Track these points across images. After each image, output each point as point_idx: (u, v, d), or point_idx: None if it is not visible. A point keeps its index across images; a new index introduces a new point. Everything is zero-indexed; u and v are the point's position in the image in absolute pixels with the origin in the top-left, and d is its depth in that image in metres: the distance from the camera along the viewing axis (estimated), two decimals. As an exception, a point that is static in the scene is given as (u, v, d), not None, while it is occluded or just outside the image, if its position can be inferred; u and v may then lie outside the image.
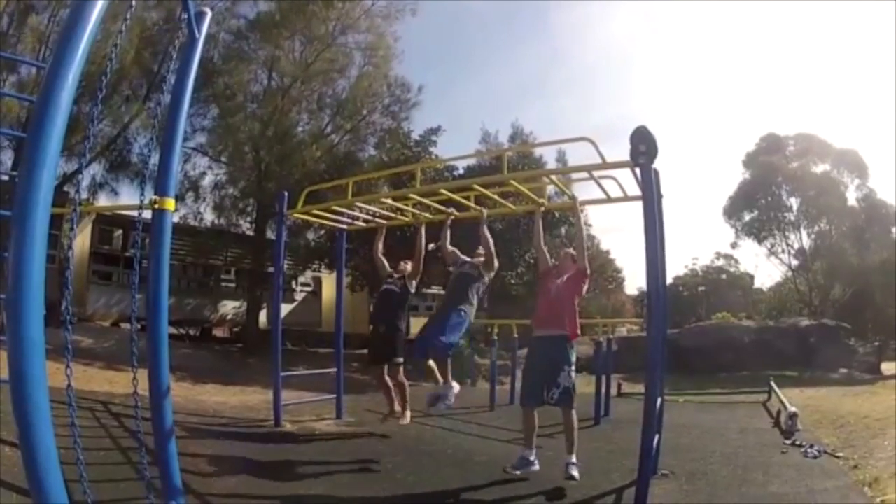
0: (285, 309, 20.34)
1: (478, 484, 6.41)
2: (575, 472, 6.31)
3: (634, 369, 15.54)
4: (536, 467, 6.60)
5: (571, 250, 7.31)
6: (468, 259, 7.81)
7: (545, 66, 78.49)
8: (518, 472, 6.52)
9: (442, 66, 65.58)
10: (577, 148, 38.51)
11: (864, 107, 67.92)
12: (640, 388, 10.67)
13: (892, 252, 29.66)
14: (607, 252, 40.89)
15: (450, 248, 8.08)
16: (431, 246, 8.53)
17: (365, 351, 24.26)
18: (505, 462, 6.93)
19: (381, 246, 9.00)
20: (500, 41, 72.39)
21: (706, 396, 15.12)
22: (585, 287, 7.09)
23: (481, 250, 7.73)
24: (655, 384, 5.96)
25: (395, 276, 8.67)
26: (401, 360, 8.46)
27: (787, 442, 8.65)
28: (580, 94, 79.95)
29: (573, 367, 6.68)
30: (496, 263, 7.75)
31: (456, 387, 7.49)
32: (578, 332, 6.79)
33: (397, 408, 8.75)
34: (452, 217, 8.34)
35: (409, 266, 8.67)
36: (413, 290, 8.68)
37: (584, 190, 8.20)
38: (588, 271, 6.96)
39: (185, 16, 4.25)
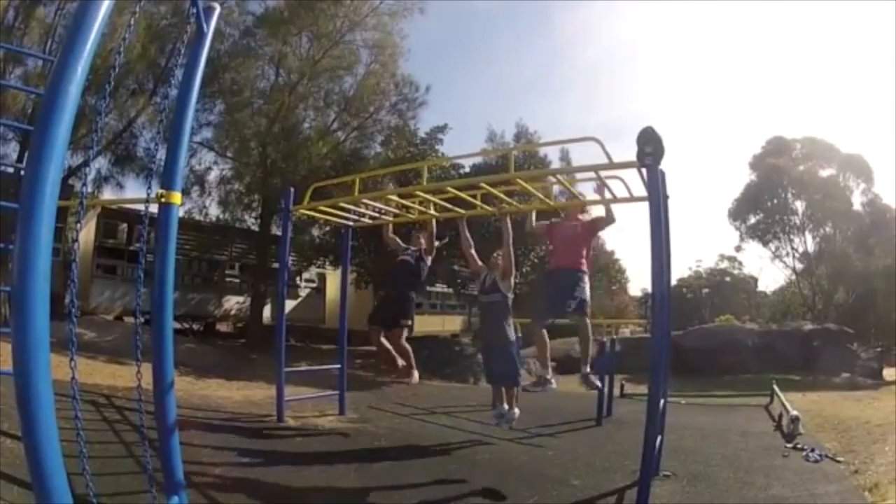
0: (289, 305, 20.29)
1: (480, 482, 6.42)
2: (597, 381, 7.43)
3: (637, 370, 15.53)
4: (554, 385, 7.35)
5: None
6: (489, 276, 7.95)
7: (549, 65, 78.64)
8: (539, 389, 7.43)
9: (446, 63, 65.70)
10: (580, 147, 38.49)
11: (870, 112, 67.97)
12: (643, 389, 10.65)
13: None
14: (612, 252, 40.93)
15: (472, 252, 8.18)
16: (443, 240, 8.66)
17: (368, 348, 24.39)
18: (507, 460, 6.97)
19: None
20: (505, 40, 72.38)
21: (709, 398, 15.13)
22: (595, 239, 7.92)
23: (500, 258, 7.85)
24: (659, 385, 5.95)
25: (412, 248, 8.76)
26: (408, 322, 8.54)
27: (789, 445, 8.65)
28: (584, 94, 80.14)
29: (587, 285, 7.32)
30: (511, 269, 7.88)
31: (517, 412, 7.94)
32: (588, 267, 7.51)
33: (401, 362, 8.56)
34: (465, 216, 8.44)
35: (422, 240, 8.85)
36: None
37: (588, 190, 8.23)
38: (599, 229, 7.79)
39: (194, 10, 4.24)
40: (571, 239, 7.49)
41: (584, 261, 7.38)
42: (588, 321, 7.31)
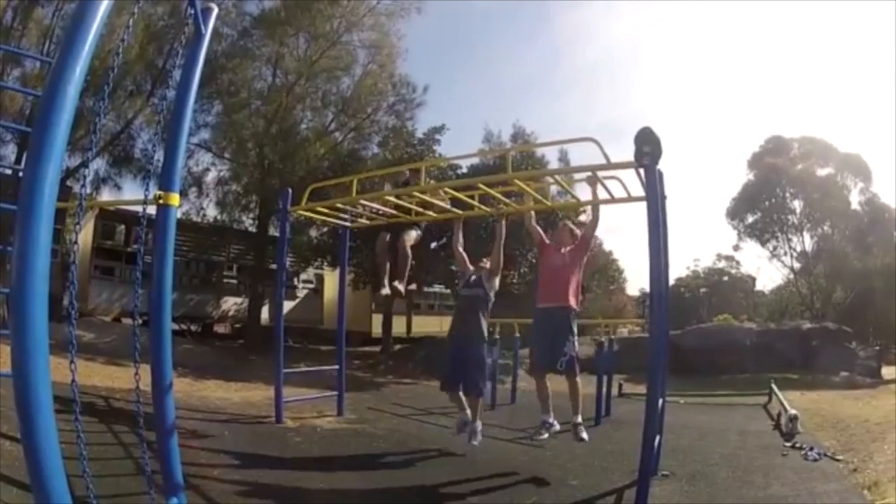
0: (287, 306, 20.29)
1: (479, 482, 6.43)
2: (584, 434, 7.09)
3: (635, 370, 15.53)
4: (557, 427, 7.33)
5: (570, 223, 7.81)
6: (475, 274, 7.94)
7: (548, 66, 78.46)
8: (545, 436, 7.28)
9: (445, 64, 65.49)
10: (579, 148, 38.54)
11: (868, 111, 67.91)
12: (641, 389, 10.66)
13: (894, 256, 29.63)
14: (609, 252, 40.84)
15: (461, 251, 8.16)
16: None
17: (366, 349, 24.51)
18: (505, 461, 6.98)
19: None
20: (503, 40, 72.26)
21: (707, 398, 15.11)
22: (586, 257, 7.66)
23: (487, 262, 7.88)
24: (657, 385, 5.95)
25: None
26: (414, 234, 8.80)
27: (788, 444, 8.65)
28: (583, 94, 79.95)
29: (576, 337, 7.21)
30: (499, 269, 7.92)
31: (480, 426, 7.69)
32: (577, 303, 7.39)
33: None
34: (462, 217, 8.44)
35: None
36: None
37: (586, 190, 8.24)
38: (591, 243, 7.66)
39: (192, 11, 4.24)
40: (559, 270, 7.40)
41: (571, 298, 7.29)
42: (578, 379, 7.23)
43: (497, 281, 7.88)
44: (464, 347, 7.69)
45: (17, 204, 2.49)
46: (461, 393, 7.65)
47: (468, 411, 7.64)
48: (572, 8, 73.43)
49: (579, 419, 7.22)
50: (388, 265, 8.82)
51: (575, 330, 7.25)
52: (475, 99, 72.91)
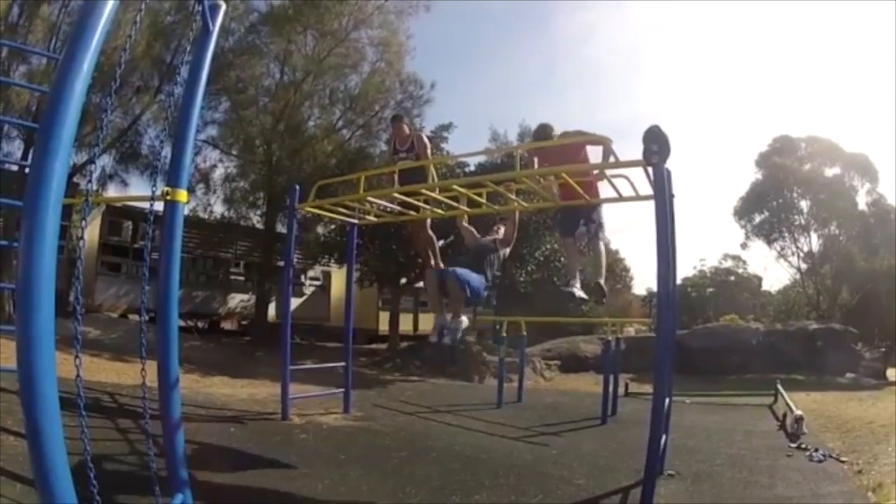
0: (294, 303, 20.29)
1: (483, 480, 6.42)
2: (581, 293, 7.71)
3: (642, 369, 15.56)
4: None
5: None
6: (486, 237, 8.08)
7: (554, 65, 78.30)
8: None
9: (449, 62, 65.36)
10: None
11: (876, 112, 67.44)
12: (647, 388, 10.66)
13: (898, 258, 29.58)
14: (616, 251, 40.67)
15: (468, 225, 8.21)
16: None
17: (373, 346, 24.54)
18: (511, 459, 6.97)
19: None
20: (509, 39, 72.18)
21: (713, 398, 15.08)
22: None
23: (501, 229, 7.93)
24: (664, 384, 5.94)
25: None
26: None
27: (793, 445, 8.64)
28: (589, 93, 79.71)
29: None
30: (513, 240, 8.15)
31: (465, 321, 7.41)
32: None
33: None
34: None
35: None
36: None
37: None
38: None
39: (200, 8, 4.24)
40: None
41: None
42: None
43: (507, 250, 8.01)
44: (464, 261, 7.64)
45: (23, 200, 2.49)
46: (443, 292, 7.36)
47: (448, 315, 7.35)
48: (577, 8, 73.30)
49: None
50: (430, 250, 9.10)
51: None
52: (480, 99, 72.91)
